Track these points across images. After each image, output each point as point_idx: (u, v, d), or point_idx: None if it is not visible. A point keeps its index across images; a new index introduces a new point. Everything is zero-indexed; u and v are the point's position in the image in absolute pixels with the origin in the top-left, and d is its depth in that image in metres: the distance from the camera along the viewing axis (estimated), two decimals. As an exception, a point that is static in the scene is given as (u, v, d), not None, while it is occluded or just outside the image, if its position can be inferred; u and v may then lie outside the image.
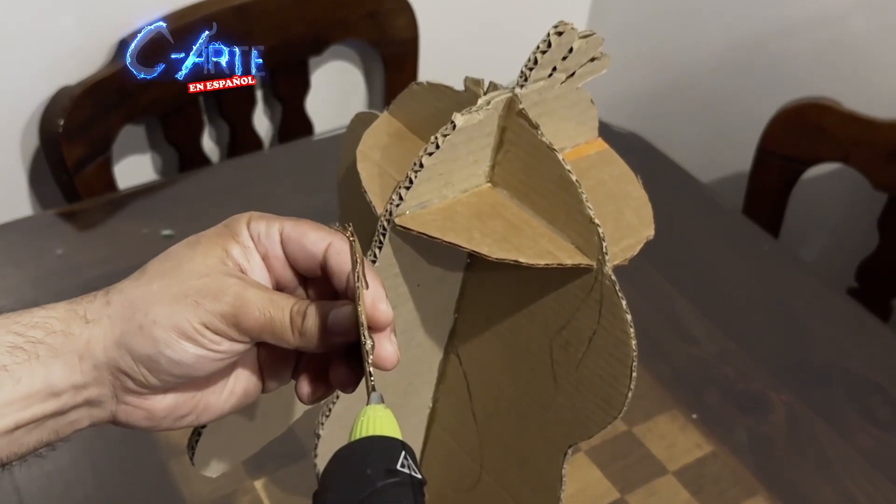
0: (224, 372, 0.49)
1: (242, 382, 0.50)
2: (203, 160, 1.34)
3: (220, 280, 0.46)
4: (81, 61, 1.18)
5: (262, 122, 1.41)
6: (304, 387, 0.49)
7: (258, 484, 0.78)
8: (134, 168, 1.33)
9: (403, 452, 0.41)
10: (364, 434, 0.42)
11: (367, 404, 0.43)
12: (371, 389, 0.44)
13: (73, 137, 1.13)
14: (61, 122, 1.11)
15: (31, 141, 1.21)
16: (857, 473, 0.84)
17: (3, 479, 0.75)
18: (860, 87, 1.25)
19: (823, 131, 1.18)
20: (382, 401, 0.44)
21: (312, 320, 0.45)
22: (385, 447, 0.41)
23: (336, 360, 0.48)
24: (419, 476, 0.40)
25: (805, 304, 1.04)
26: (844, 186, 1.33)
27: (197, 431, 0.54)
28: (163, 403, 0.47)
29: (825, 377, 0.94)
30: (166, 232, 1.02)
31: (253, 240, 0.48)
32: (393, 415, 0.43)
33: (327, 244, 0.47)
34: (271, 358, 0.50)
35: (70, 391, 0.45)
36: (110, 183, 1.22)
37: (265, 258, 0.48)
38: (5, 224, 1.05)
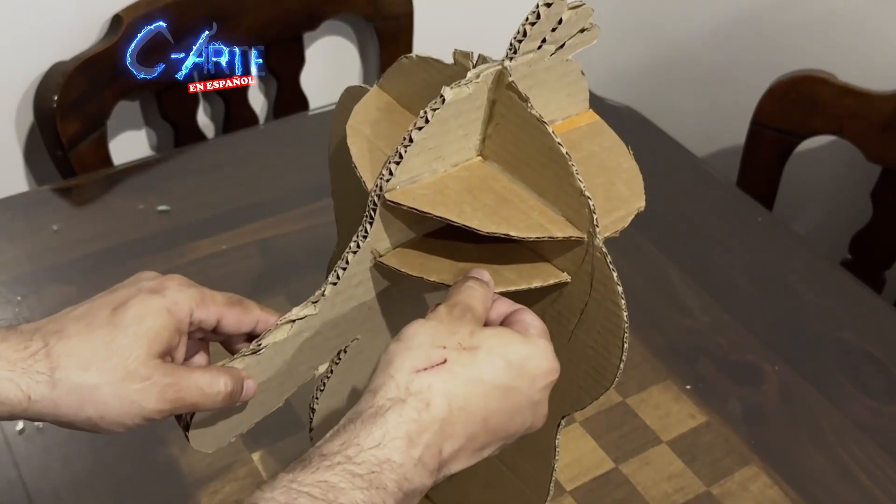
0: None
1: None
2: (198, 136, 1.34)
3: (158, 381, 0.51)
4: (75, 37, 1.18)
5: (257, 98, 1.41)
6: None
7: (255, 456, 0.79)
8: (129, 144, 1.33)
9: None
10: None
11: None
12: None
13: (68, 113, 1.13)
14: (55, 98, 1.11)
15: (26, 117, 1.21)
16: (849, 442, 0.85)
17: (2, 454, 0.76)
18: (854, 59, 1.25)
19: (817, 104, 1.18)
20: None
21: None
22: None
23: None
24: None
25: (798, 276, 1.04)
26: (838, 159, 1.33)
27: None
28: None
29: (818, 348, 0.95)
30: (162, 207, 1.02)
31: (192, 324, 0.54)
32: None
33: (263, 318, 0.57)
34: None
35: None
36: (105, 159, 1.22)
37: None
38: (1, 200, 1.05)
